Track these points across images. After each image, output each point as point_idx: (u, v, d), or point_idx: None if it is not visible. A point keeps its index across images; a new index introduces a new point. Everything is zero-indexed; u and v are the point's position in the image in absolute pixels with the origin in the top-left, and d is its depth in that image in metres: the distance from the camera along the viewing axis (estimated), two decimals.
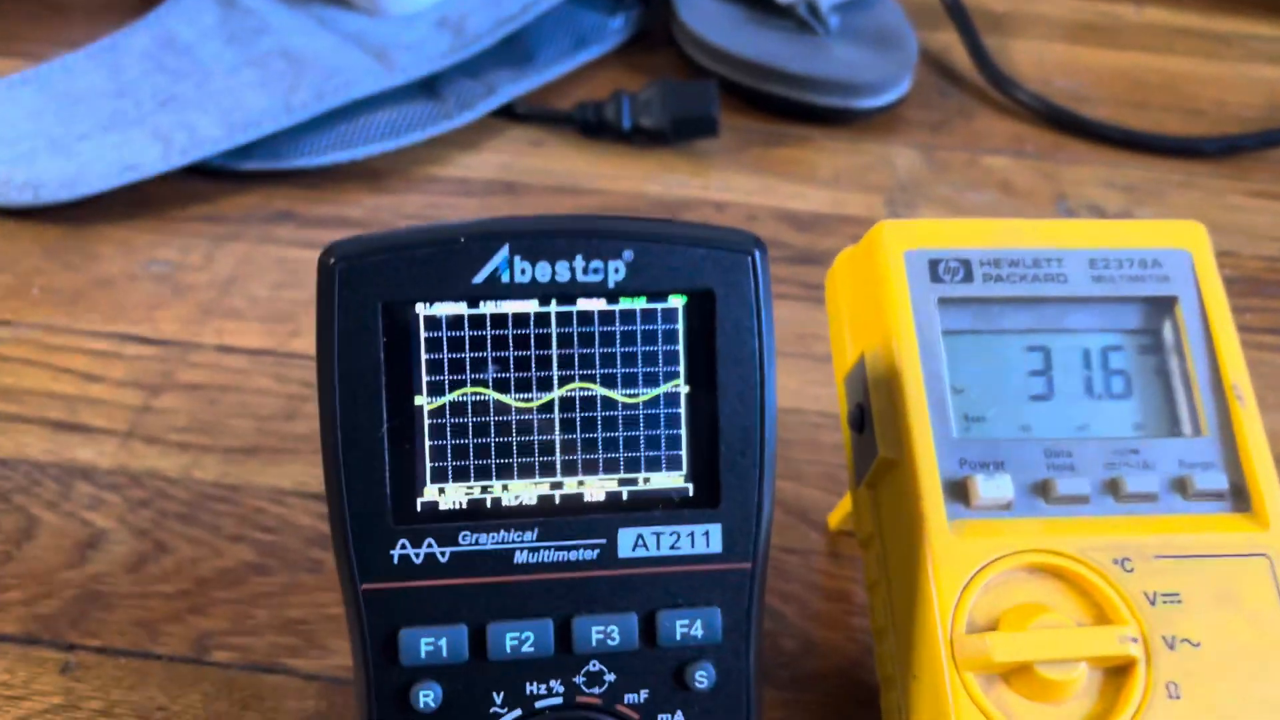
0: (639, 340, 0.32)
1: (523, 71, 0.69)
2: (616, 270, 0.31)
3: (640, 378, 0.32)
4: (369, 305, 0.30)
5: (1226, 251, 0.62)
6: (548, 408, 0.32)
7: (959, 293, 0.37)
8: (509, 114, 0.68)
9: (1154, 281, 0.38)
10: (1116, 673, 0.34)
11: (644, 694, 0.32)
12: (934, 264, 0.38)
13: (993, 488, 0.35)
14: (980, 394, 0.37)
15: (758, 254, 0.31)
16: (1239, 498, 0.36)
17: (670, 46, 0.74)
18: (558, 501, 0.32)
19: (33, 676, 0.41)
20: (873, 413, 0.37)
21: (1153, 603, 0.34)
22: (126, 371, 0.53)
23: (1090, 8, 0.83)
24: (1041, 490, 0.36)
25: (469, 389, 0.31)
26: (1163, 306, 0.38)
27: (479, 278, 0.31)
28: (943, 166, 0.68)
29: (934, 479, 0.35)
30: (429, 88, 0.67)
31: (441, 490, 0.32)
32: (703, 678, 0.32)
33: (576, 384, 0.32)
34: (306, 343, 0.54)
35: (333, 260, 0.30)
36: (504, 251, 0.31)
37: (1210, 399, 0.37)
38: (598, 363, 0.32)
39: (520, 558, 0.32)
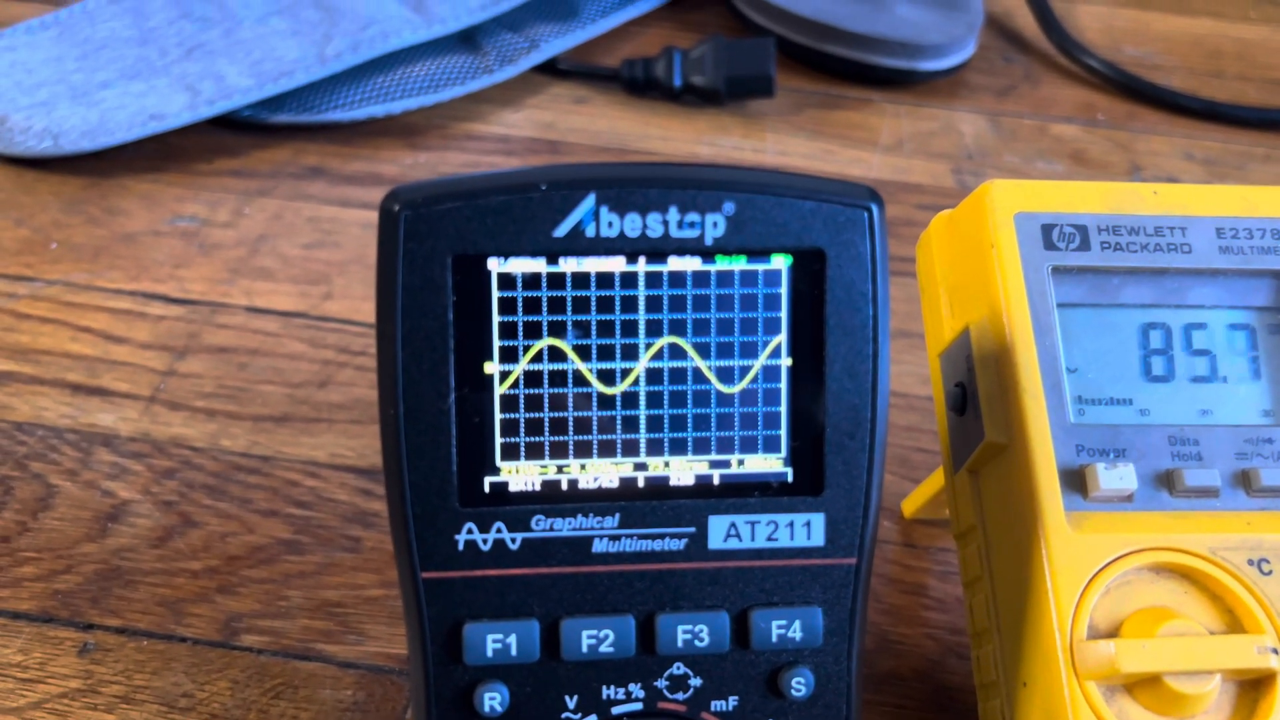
0: (737, 305, 0.28)
1: (567, 25, 0.66)
2: (715, 225, 0.28)
3: (737, 348, 0.29)
4: (437, 259, 0.27)
5: None
6: (633, 379, 0.28)
7: (1074, 261, 0.34)
8: (552, 70, 0.65)
9: None
10: (1253, 686, 0.31)
11: (733, 701, 0.29)
12: (1047, 229, 0.34)
13: (1114, 478, 0.32)
14: (1097, 374, 0.34)
15: (875, 209, 0.28)
16: None
17: (721, 3, 0.71)
18: (641, 485, 0.29)
19: (49, 658, 0.39)
20: (978, 393, 0.33)
21: None
22: (150, 333, 0.49)
23: None
24: (1166, 481, 0.33)
25: (546, 356, 0.28)
26: None
27: (560, 230, 0.27)
28: (1011, 134, 0.64)
29: (1050, 467, 0.32)
30: (468, 40, 0.64)
31: (513, 469, 0.29)
32: (799, 685, 0.29)
33: (665, 353, 0.28)
34: (340, 306, 0.51)
35: (397, 207, 0.27)
36: (589, 201, 0.27)
37: None
38: (690, 330, 0.29)
39: (599, 546, 0.29)
